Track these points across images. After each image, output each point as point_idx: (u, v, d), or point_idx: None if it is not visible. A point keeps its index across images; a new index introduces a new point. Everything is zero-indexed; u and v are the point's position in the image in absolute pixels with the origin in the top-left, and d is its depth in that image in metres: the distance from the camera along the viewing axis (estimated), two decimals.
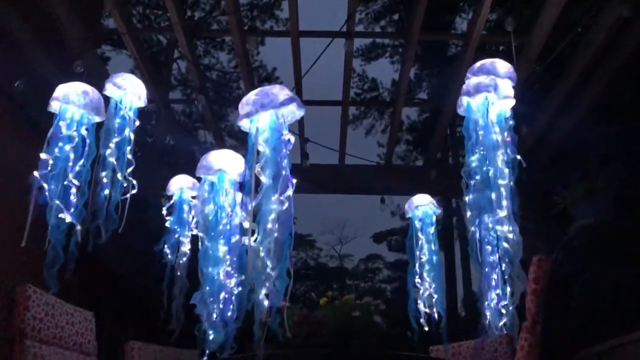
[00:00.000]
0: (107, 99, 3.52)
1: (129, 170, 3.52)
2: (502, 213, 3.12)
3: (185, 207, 4.28)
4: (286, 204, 2.68)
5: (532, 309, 3.08)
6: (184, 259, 4.19)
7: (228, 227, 3.52)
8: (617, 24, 5.12)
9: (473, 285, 17.40)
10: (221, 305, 3.33)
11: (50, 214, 3.19)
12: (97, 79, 3.68)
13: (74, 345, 3.37)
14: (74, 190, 3.29)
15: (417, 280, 4.36)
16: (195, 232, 4.13)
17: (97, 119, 3.47)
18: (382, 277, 28.44)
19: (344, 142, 7.26)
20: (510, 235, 3.09)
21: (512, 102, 3.31)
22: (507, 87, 3.30)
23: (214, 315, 3.30)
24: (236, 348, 3.01)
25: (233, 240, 3.45)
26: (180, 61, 16.49)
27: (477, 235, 3.19)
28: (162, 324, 3.97)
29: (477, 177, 3.22)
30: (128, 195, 3.50)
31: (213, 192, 3.60)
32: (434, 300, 4.27)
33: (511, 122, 3.33)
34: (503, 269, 3.13)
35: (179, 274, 4.15)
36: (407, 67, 6.36)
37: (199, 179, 3.73)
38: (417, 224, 4.57)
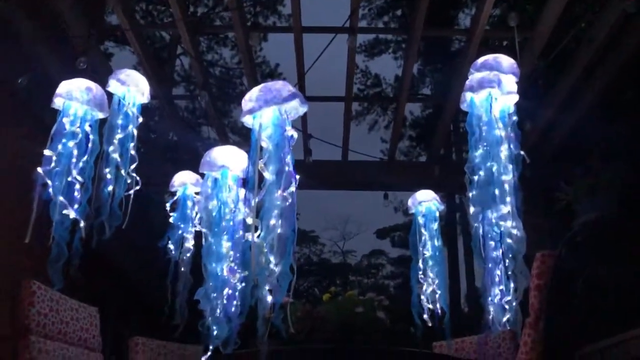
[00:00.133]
0: (110, 95, 3.53)
1: (133, 166, 3.53)
2: (506, 209, 3.12)
3: (189, 203, 4.28)
4: (289, 200, 2.69)
5: (536, 305, 3.08)
6: (188, 254, 4.20)
7: (231, 223, 3.53)
8: (620, 20, 5.11)
9: (476, 281, 17.38)
10: (225, 301, 3.34)
11: (54, 210, 3.20)
12: (101, 75, 3.70)
13: (78, 341, 3.38)
14: (77, 186, 3.30)
15: (421, 276, 4.36)
16: (198, 228, 4.13)
17: (101, 115, 3.48)
18: (386, 273, 28.43)
19: (347, 138, 7.26)
20: (514, 231, 3.09)
21: (516, 97, 3.30)
22: (510, 83, 3.30)
23: (218, 311, 3.31)
24: (240, 343, 3.02)
25: (236, 236, 3.46)
26: (183, 57, 16.47)
27: (481, 231, 3.19)
28: (166, 320, 3.99)
29: (481, 173, 3.22)
30: (132, 192, 3.52)
31: (216, 188, 3.61)
32: (437, 296, 4.27)
33: (514, 118, 3.32)
34: (506, 264, 3.13)
35: (182, 269, 4.16)
36: (410, 62, 6.35)
37: (202, 175, 3.74)
38: (421, 220, 4.57)
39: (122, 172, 3.44)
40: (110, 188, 3.38)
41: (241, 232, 3.39)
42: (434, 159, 8.31)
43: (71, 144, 3.32)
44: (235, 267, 3.39)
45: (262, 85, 2.86)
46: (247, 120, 2.86)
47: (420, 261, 4.40)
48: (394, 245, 26.98)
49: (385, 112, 19.27)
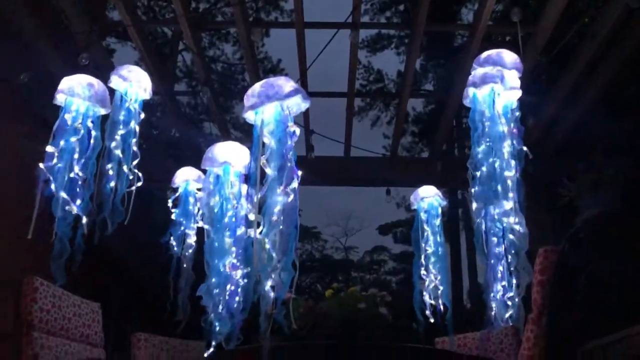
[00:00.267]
0: (112, 91, 3.52)
1: (135, 162, 3.53)
2: (508, 204, 3.11)
3: (191, 200, 4.29)
4: (291, 196, 2.68)
5: (538, 301, 3.08)
6: (190, 251, 4.21)
7: (233, 219, 3.53)
8: (622, 16, 5.09)
9: (479, 277, 17.39)
10: (227, 297, 3.35)
11: (57, 206, 3.20)
12: (102, 71, 3.69)
13: (81, 337, 3.39)
14: (80, 182, 3.30)
15: (423, 272, 4.36)
16: (200, 224, 4.13)
17: (103, 111, 3.48)
18: (388, 269, 28.44)
19: (349, 133, 7.25)
20: (516, 227, 3.08)
21: (518, 93, 3.29)
22: (513, 78, 3.28)
23: (220, 307, 3.31)
24: (242, 339, 3.02)
25: (238, 232, 3.46)
26: (185, 53, 16.49)
27: (483, 226, 3.18)
28: (169, 316, 3.99)
29: (483, 169, 3.21)
30: (134, 188, 3.52)
31: (218, 184, 3.61)
32: (439, 291, 4.27)
33: (517, 114, 3.31)
34: (509, 260, 3.12)
35: (184, 266, 4.16)
36: (413, 58, 6.34)
37: (204, 171, 3.73)
38: (423, 216, 4.57)
39: (124, 168, 3.44)
40: (112, 184, 3.38)
41: (243, 228, 3.39)
42: (437, 154, 8.30)
43: (73, 140, 3.31)
44: (238, 263, 3.39)
45: (264, 80, 2.85)
46: (249, 116, 2.86)
47: (423, 257, 4.39)
48: (396, 241, 27.00)
49: (387, 107, 19.24)
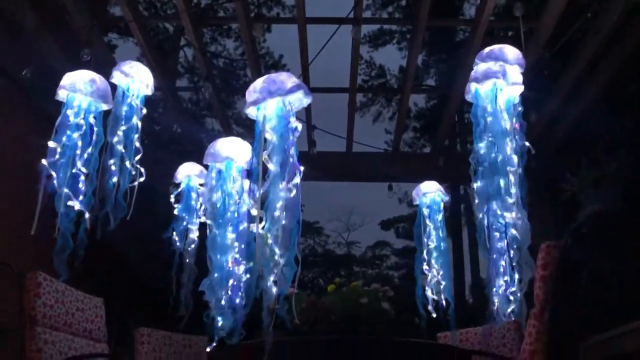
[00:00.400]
0: (114, 87, 3.53)
1: (137, 158, 3.54)
2: (510, 200, 3.11)
3: (193, 195, 4.29)
4: (294, 192, 2.69)
5: (540, 296, 3.08)
6: (192, 246, 4.21)
7: (236, 214, 3.53)
8: (625, 12, 5.07)
9: (481, 272, 17.41)
10: (229, 292, 3.35)
11: (59, 201, 3.21)
12: (104, 67, 3.69)
13: (84, 332, 3.40)
14: (82, 178, 3.31)
15: (425, 267, 4.36)
16: (203, 219, 4.14)
17: (105, 107, 3.48)
18: (390, 264, 28.44)
19: (351, 129, 7.26)
20: (519, 222, 3.08)
21: (521, 88, 3.29)
22: (515, 74, 3.28)
23: (223, 302, 3.32)
24: (245, 334, 3.02)
25: (241, 227, 3.46)
26: (187, 49, 16.45)
27: (485, 222, 3.18)
28: (171, 311, 4.00)
29: (485, 164, 3.21)
30: (136, 183, 3.52)
31: (221, 179, 3.61)
32: (441, 287, 4.26)
33: (520, 109, 3.31)
34: (511, 255, 3.13)
35: (187, 261, 4.17)
36: (415, 53, 6.33)
37: (206, 167, 3.74)
38: (425, 211, 4.56)
39: (127, 163, 3.45)
40: (114, 179, 3.39)
41: (245, 224, 3.40)
42: (439, 150, 8.29)
43: (75, 135, 3.33)
44: (240, 259, 3.40)
45: (266, 76, 2.85)
46: (251, 111, 2.86)
47: (425, 252, 4.39)
48: (398, 237, 27.00)
49: (389, 103, 19.22)
